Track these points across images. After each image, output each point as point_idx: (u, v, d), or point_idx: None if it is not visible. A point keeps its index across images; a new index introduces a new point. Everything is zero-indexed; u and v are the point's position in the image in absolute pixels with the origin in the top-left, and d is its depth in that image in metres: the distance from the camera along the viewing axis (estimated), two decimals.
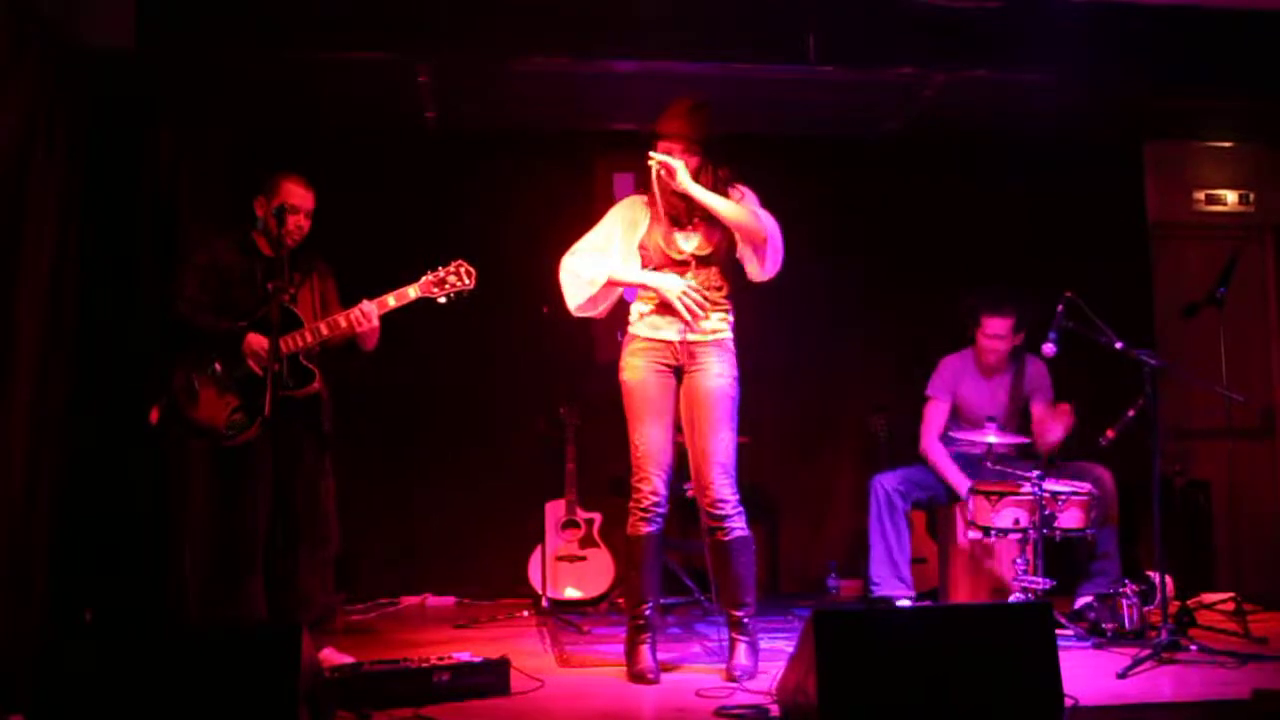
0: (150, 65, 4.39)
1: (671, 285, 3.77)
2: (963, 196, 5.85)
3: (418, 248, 4.20)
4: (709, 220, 3.83)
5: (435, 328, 4.53)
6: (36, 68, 3.98)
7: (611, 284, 3.87)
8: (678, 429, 3.86)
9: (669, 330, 3.81)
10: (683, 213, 3.84)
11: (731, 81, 4.88)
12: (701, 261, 3.84)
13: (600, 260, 3.86)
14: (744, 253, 3.87)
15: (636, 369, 3.84)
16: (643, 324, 3.86)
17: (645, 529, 3.77)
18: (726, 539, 3.75)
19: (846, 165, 5.84)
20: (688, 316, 3.76)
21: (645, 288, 3.83)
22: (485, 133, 5.67)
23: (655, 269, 3.84)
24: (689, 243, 3.85)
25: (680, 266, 3.83)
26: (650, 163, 3.79)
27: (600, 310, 3.95)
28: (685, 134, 3.78)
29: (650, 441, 3.78)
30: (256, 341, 3.85)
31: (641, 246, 3.87)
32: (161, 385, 3.87)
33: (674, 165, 3.72)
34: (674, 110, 3.81)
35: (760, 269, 3.87)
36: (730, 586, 3.79)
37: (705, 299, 3.79)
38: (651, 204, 3.86)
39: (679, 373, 3.84)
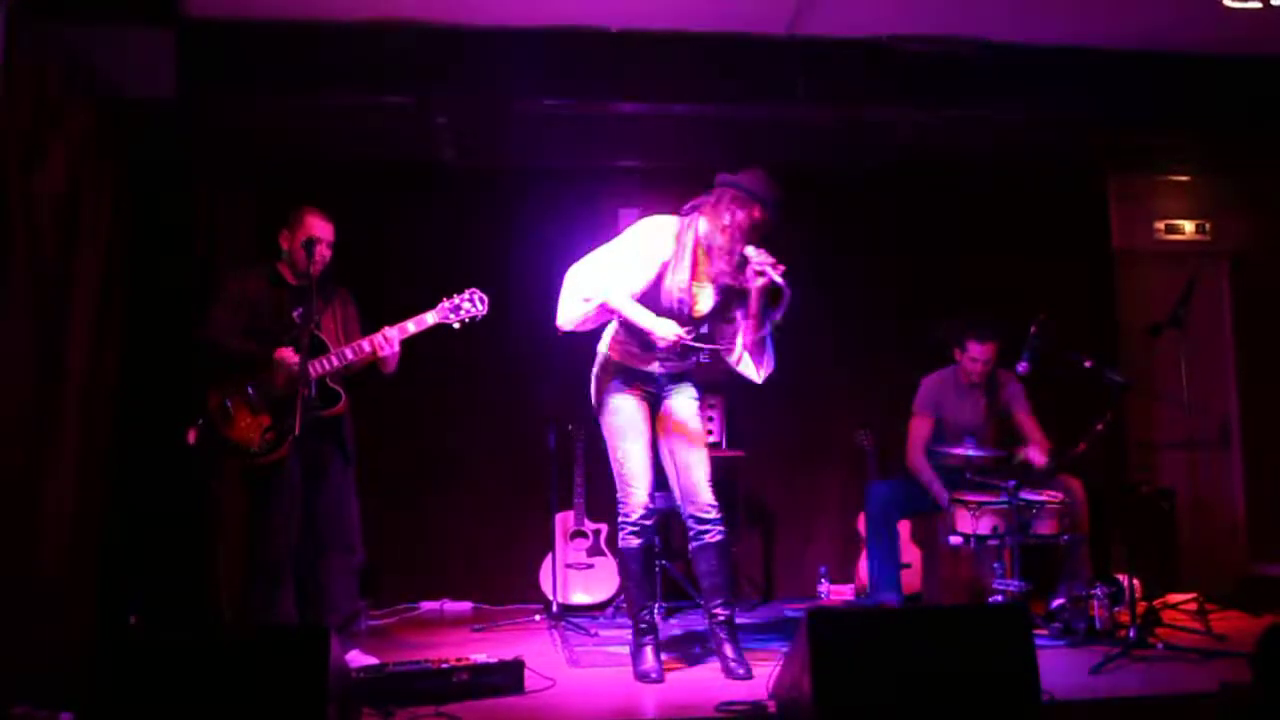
0: (189, 112, 4.42)
1: (666, 332, 3.56)
2: (941, 226, 5.87)
3: (435, 277, 4.19)
4: (728, 284, 3.68)
5: (452, 352, 4.52)
6: (87, 114, 4.01)
7: (605, 309, 3.69)
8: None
9: (650, 364, 3.75)
10: (729, 276, 3.62)
11: (727, 122, 4.90)
12: (706, 317, 3.75)
13: (604, 281, 3.64)
14: (740, 355, 3.71)
15: (619, 392, 3.75)
16: (623, 352, 3.75)
17: (635, 541, 3.74)
18: (714, 540, 3.73)
19: (834, 199, 5.85)
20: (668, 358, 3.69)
21: (639, 326, 3.59)
22: (499, 169, 5.70)
23: (663, 314, 3.64)
24: (705, 303, 3.72)
25: (694, 322, 3.71)
26: (756, 256, 3.53)
27: (585, 327, 3.77)
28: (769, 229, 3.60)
29: (636, 458, 3.73)
30: (287, 354, 3.82)
31: (663, 289, 3.65)
32: (198, 408, 3.86)
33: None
34: (775, 197, 3.60)
35: (739, 370, 3.74)
36: (718, 586, 3.74)
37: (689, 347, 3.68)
38: (691, 254, 3.65)
39: (657, 399, 3.81)
